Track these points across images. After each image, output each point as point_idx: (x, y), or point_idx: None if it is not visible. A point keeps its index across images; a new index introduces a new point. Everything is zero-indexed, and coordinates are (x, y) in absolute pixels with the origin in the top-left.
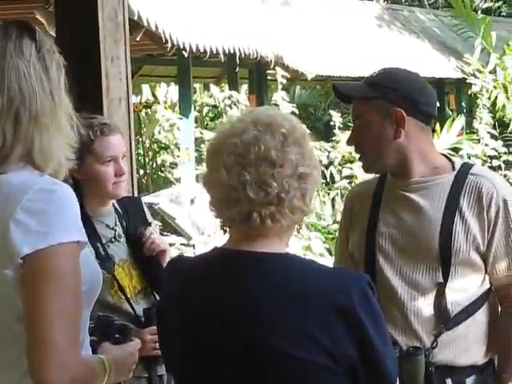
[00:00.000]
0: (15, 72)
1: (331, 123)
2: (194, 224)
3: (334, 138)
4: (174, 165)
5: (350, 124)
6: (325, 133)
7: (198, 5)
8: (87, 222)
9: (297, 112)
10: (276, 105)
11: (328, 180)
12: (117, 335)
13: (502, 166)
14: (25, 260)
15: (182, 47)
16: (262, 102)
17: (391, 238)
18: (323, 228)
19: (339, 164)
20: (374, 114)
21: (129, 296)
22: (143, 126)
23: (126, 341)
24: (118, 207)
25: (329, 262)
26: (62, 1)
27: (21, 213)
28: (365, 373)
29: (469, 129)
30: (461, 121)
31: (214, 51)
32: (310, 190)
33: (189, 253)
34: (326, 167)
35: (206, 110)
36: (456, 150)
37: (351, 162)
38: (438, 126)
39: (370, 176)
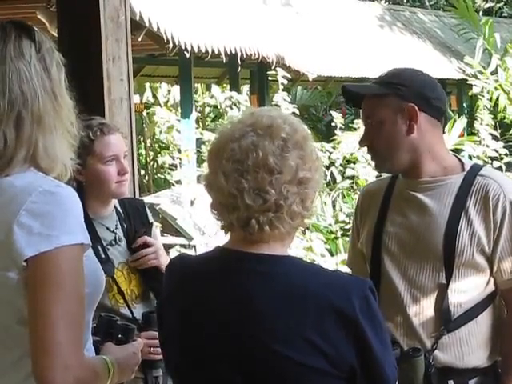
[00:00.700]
0: (16, 74)
1: (332, 124)
2: (195, 225)
3: (335, 139)
4: (174, 166)
5: (351, 125)
6: (326, 133)
7: (200, 5)
8: (88, 224)
9: (298, 113)
10: (277, 105)
11: (329, 181)
12: (119, 335)
13: (503, 167)
14: (28, 262)
15: (183, 47)
16: (263, 102)
17: (397, 238)
18: (324, 228)
19: (341, 165)
20: (386, 111)
21: (127, 300)
22: (145, 126)
23: (129, 341)
24: (119, 209)
25: (330, 262)
26: (64, 1)
27: (24, 215)
28: (363, 378)
29: (470, 130)
30: (462, 122)
31: (216, 52)
32: (311, 194)
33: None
34: (327, 168)
35: (207, 110)
36: (457, 151)
37: (353, 162)
38: None
39: (373, 177)
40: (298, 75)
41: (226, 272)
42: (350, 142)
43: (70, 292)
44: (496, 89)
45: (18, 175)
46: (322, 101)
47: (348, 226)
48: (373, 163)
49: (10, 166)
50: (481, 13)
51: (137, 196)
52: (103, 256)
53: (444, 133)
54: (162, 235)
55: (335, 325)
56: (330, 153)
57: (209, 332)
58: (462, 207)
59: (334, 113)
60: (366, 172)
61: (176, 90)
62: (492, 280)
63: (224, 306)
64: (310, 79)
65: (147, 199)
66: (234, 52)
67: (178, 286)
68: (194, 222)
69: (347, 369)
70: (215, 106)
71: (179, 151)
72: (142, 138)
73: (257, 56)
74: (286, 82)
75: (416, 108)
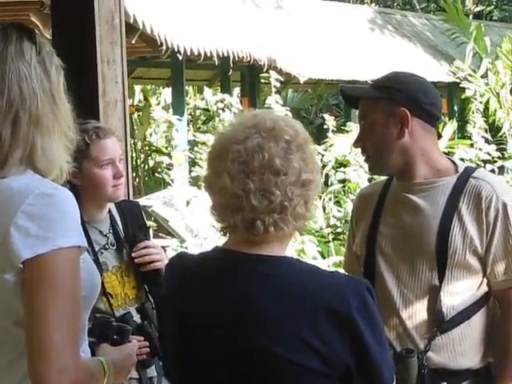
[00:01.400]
0: (16, 74)
1: (324, 126)
2: (187, 226)
3: (327, 142)
4: (169, 166)
5: (342, 127)
6: (317, 136)
7: (193, 8)
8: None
9: (290, 115)
10: (269, 108)
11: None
12: (115, 336)
13: (496, 170)
14: (25, 264)
15: (176, 50)
16: (254, 105)
17: (391, 239)
18: (316, 232)
19: (333, 167)
20: (378, 114)
21: (120, 303)
22: (135, 128)
23: (125, 342)
24: (113, 213)
25: (322, 264)
26: (58, 3)
27: (21, 217)
28: (360, 379)
29: (461, 133)
30: (453, 125)
31: (208, 54)
32: (313, 196)
33: None
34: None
35: (198, 112)
36: (448, 154)
37: (345, 165)
38: None
39: (365, 180)
40: (289, 78)
41: (225, 273)
42: (341, 144)
43: (66, 294)
44: (486, 92)
45: (15, 177)
46: (313, 103)
47: (340, 230)
48: (365, 165)
49: (6, 167)
50: (471, 16)
51: (131, 198)
52: (93, 258)
53: (440, 137)
54: (154, 237)
55: (332, 325)
56: (323, 156)
57: (206, 333)
58: (455, 208)
59: (325, 115)
60: (358, 174)
61: (167, 92)
62: (485, 281)
63: (222, 307)
64: (301, 82)
65: (139, 201)
66: (225, 54)
67: (176, 286)
68: (186, 224)
69: (343, 369)
70: (206, 109)
71: (169, 155)
72: (132, 141)
73: (248, 58)
74: (278, 84)
75: (408, 113)
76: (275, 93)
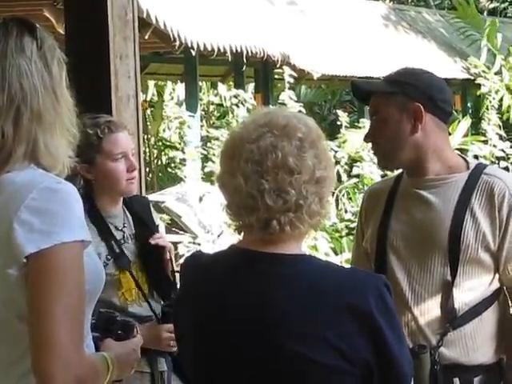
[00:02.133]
0: (16, 70)
1: (338, 123)
2: (200, 222)
3: (340, 138)
4: (182, 161)
5: (356, 124)
6: (330, 132)
7: (206, 4)
8: (101, 221)
9: (304, 111)
10: (283, 104)
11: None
12: (119, 331)
13: (510, 167)
14: (29, 259)
15: (189, 45)
16: (267, 101)
17: (402, 235)
18: (330, 227)
19: (346, 163)
20: (392, 109)
21: (134, 298)
22: (148, 123)
23: (129, 337)
24: (125, 208)
25: (334, 261)
26: None
27: (25, 212)
28: (380, 375)
29: (474, 130)
30: (467, 122)
31: (222, 50)
32: (327, 193)
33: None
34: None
35: (211, 108)
36: (461, 150)
37: (358, 161)
38: None
39: (378, 175)
40: (303, 74)
41: (242, 273)
42: (355, 140)
43: (70, 289)
44: (501, 88)
45: (19, 172)
46: (326, 99)
47: (353, 225)
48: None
49: (10, 162)
50: (485, 13)
51: (143, 193)
52: (118, 251)
53: (450, 134)
54: (167, 233)
55: (352, 322)
56: (336, 151)
57: (224, 335)
58: (467, 204)
59: (339, 112)
60: (372, 171)
61: (180, 88)
62: (496, 277)
63: (240, 307)
64: (315, 78)
65: (152, 197)
66: (239, 50)
67: (191, 286)
68: (199, 220)
69: (365, 366)
70: (220, 105)
71: (183, 150)
72: (145, 136)
73: (262, 54)
74: (292, 80)
75: (422, 108)
76: (289, 89)
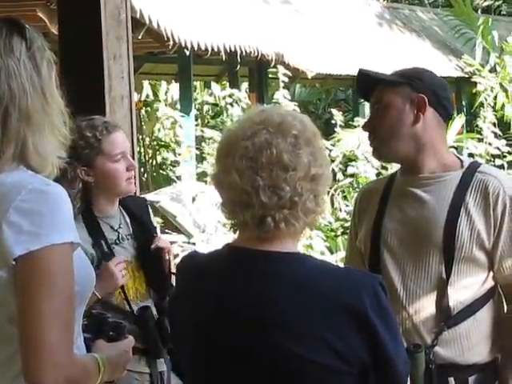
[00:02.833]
0: (5, 71)
1: (332, 121)
2: (194, 222)
3: (335, 137)
4: (175, 163)
5: (351, 123)
6: (325, 131)
7: (200, 3)
8: (94, 222)
9: (298, 110)
10: (278, 103)
11: None
12: (111, 332)
13: (505, 165)
14: (17, 261)
15: (183, 45)
16: (262, 100)
17: (396, 234)
18: (325, 226)
19: (340, 162)
20: (396, 98)
21: (131, 298)
22: (143, 124)
23: (121, 338)
24: (121, 208)
25: (329, 260)
26: None
27: (13, 213)
28: (376, 374)
29: (469, 127)
30: (461, 119)
31: (216, 49)
32: (323, 190)
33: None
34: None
35: (206, 108)
36: (457, 148)
37: (352, 160)
38: None
39: (374, 175)
40: (297, 73)
41: (238, 272)
42: (349, 139)
43: (59, 291)
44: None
45: (8, 173)
46: (321, 98)
47: (348, 224)
48: (373, 160)
49: None
50: (479, 11)
51: (137, 194)
52: (108, 252)
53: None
54: (162, 232)
55: (346, 321)
56: (330, 150)
57: (220, 334)
58: (462, 202)
59: (333, 110)
60: (366, 169)
61: (175, 87)
62: (491, 275)
63: (236, 307)
64: (309, 77)
65: (147, 197)
66: (233, 49)
67: (187, 286)
68: (194, 220)
69: (360, 365)
70: (214, 104)
71: (174, 151)
72: (140, 136)
73: (256, 53)
74: (286, 79)
75: (426, 100)
76: (283, 88)
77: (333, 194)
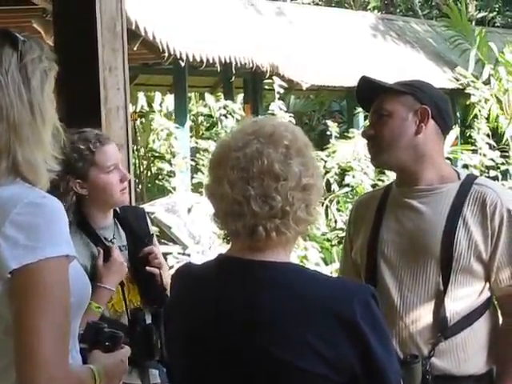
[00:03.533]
0: None
1: (327, 133)
2: (189, 233)
3: (330, 148)
4: (171, 173)
5: (346, 134)
6: (319, 142)
7: (195, 15)
8: (91, 234)
9: (293, 121)
10: (273, 114)
11: (324, 189)
12: (107, 343)
13: (499, 176)
14: (13, 275)
15: (178, 57)
16: (257, 111)
17: (394, 245)
18: (321, 236)
19: (336, 173)
20: (400, 107)
21: (124, 310)
22: (138, 135)
23: (117, 348)
24: (116, 219)
25: (324, 271)
26: (60, 11)
27: (9, 227)
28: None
29: (463, 139)
30: (455, 131)
31: (211, 61)
32: (314, 200)
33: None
34: (323, 176)
35: (200, 119)
36: (451, 159)
37: (348, 171)
38: None
39: (369, 185)
40: (292, 84)
41: (230, 281)
42: (344, 150)
43: (55, 304)
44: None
45: (4, 187)
46: (315, 109)
47: (343, 235)
48: (369, 171)
49: None
50: (474, 22)
51: (133, 204)
52: (108, 249)
53: None
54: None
55: (338, 331)
56: (325, 161)
57: (213, 343)
58: (459, 213)
59: (329, 122)
60: (362, 179)
61: (170, 98)
62: (487, 287)
63: (227, 315)
64: (304, 88)
65: None
66: (228, 61)
67: (182, 296)
68: (189, 231)
69: (349, 374)
70: (209, 115)
71: (169, 162)
72: (135, 147)
73: (251, 65)
74: (282, 90)
75: (429, 111)
76: (278, 99)
77: (327, 205)
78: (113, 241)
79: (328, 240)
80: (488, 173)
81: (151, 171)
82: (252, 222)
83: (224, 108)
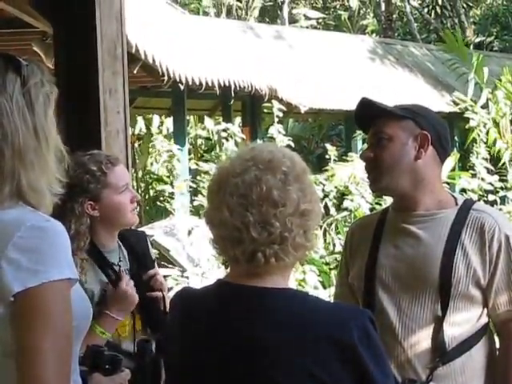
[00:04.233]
0: None
1: (326, 156)
2: (188, 256)
3: (328, 171)
4: (170, 195)
5: (344, 157)
6: (318, 166)
7: (194, 39)
8: (100, 255)
9: (292, 145)
10: (272, 138)
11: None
12: (107, 366)
13: (498, 200)
14: (16, 298)
15: (177, 80)
16: (255, 134)
17: (392, 270)
18: (319, 259)
19: (334, 197)
20: (400, 131)
21: (127, 334)
22: (136, 157)
23: (117, 371)
24: (120, 242)
25: (323, 295)
26: (60, 34)
27: (12, 250)
28: None
29: (461, 163)
30: (454, 156)
31: (210, 84)
32: (313, 226)
33: (183, 285)
34: (322, 200)
35: (199, 141)
36: (450, 184)
37: (346, 194)
38: None
39: (367, 209)
40: (291, 107)
41: (229, 306)
42: (343, 174)
43: (57, 327)
44: (489, 121)
45: (7, 210)
46: (314, 133)
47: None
48: (366, 195)
49: None
50: (471, 47)
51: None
52: (116, 278)
53: None
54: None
55: (336, 356)
56: (324, 185)
57: (212, 369)
58: (457, 239)
59: (327, 145)
60: (360, 203)
61: (168, 121)
62: (485, 312)
63: (226, 339)
64: (302, 111)
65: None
66: (227, 84)
67: (178, 321)
68: (188, 254)
69: None
70: (207, 138)
71: (171, 184)
72: (133, 170)
73: (249, 88)
74: (281, 114)
75: (429, 137)
76: (277, 122)
77: (326, 229)
78: (119, 264)
79: (326, 263)
80: (487, 197)
81: (149, 194)
82: (251, 248)
83: (224, 131)
